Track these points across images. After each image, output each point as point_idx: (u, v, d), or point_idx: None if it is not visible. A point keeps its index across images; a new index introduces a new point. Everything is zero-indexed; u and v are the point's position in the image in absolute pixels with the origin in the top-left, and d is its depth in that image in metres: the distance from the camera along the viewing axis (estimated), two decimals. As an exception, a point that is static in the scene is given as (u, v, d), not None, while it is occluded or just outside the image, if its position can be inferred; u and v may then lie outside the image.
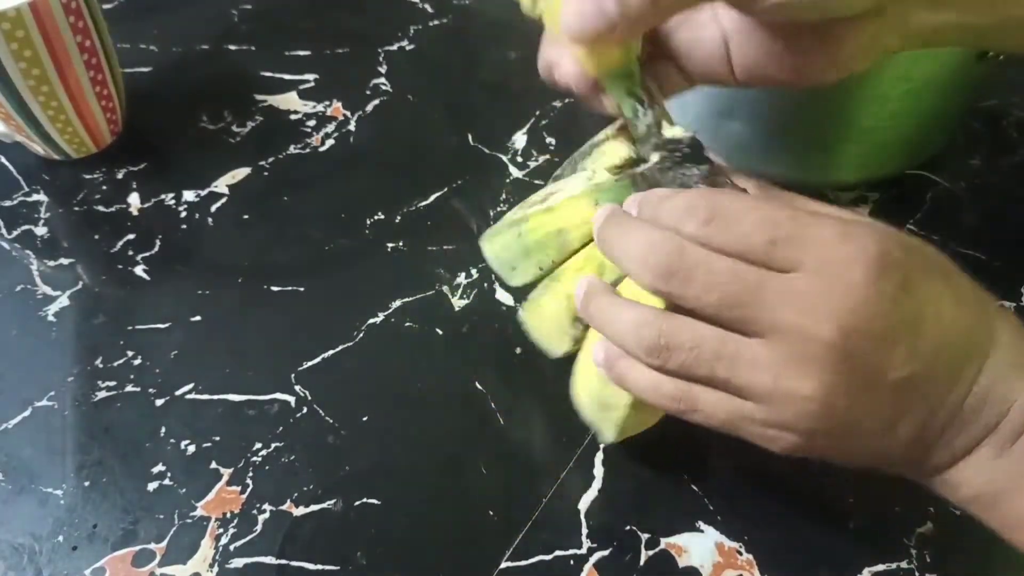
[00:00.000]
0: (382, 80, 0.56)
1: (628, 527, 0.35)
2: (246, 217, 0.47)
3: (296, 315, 0.42)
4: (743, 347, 0.26)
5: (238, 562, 0.33)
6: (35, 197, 0.48)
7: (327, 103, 0.54)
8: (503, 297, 0.43)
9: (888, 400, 0.26)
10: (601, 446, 0.37)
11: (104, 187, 0.48)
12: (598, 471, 0.37)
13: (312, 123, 0.53)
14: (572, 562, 0.34)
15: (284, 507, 0.35)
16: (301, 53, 0.58)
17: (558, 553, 0.34)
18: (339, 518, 0.35)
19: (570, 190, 0.32)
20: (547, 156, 0.52)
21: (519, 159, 0.51)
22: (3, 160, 0.50)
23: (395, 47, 0.59)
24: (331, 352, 0.41)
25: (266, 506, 0.35)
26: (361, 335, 0.41)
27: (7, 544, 0.34)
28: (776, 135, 0.46)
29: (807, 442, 0.26)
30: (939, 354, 0.25)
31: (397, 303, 0.43)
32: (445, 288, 0.44)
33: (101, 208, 0.47)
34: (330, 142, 0.52)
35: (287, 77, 0.56)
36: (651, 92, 0.31)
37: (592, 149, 0.34)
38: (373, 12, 0.62)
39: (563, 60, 0.31)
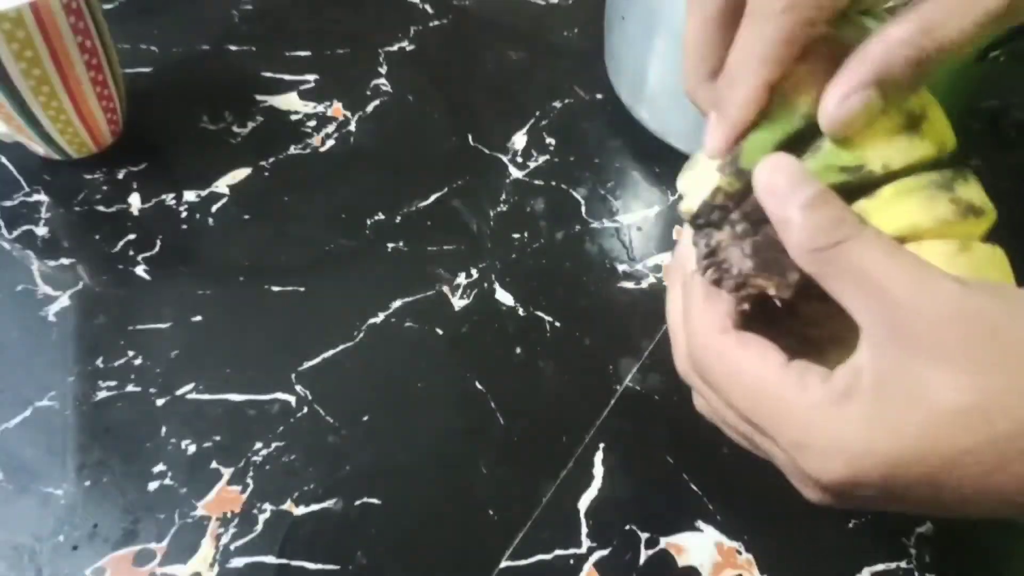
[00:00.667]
0: (382, 80, 0.56)
1: (628, 527, 0.35)
2: (247, 217, 0.47)
3: (296, 315, 0.42)
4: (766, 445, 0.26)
5: (238, 562, 0.34)
6: (36, 197, 0.48)
7: (327, 103, 0.54)
8: (503, 297, 0.43)
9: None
10: (601, 446, 0.37)
11: (105, 187, 0.48)
12: (598, 471, 0.37)
13: (312, 123, 0.53)
14: (572, 562, 0.34)
15: (284, 507, 0.35)
16: (301, 53, 0.58)
17: (558, 553, 0.34)
18: (339, 518, 0.35)
19: None
20: (547, 156, 0.52)
21: (519, 159, 0.51)
22: (3, 160, 0.50)
23: (395, 47, 0.59)
24: (331, 352, 0.41)
25: (266, 506, 0.35)
26: (361, 335, 0.41)
27: (7, 544, 0.34)
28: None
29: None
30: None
31: (397, 303, 0.43)
32: (445, 288, 0.44)
33: (102, 208, 0.47)
34: (330, 142, 0.52)
35: (287, 77, 0.56)
36: None
37: None
38: (373, 12, 0.62)
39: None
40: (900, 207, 0.24)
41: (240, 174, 0.50)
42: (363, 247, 0.46)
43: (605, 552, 0.34)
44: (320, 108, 0.54)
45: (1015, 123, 0.54)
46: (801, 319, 0.27)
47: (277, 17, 0.62)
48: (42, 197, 0.48)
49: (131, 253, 0.45)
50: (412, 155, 0.52)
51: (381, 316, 0.42)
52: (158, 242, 0.46)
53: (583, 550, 0.34)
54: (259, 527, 0.35)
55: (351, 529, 0.35)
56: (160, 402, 0.38)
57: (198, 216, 0.47)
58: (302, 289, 0.43)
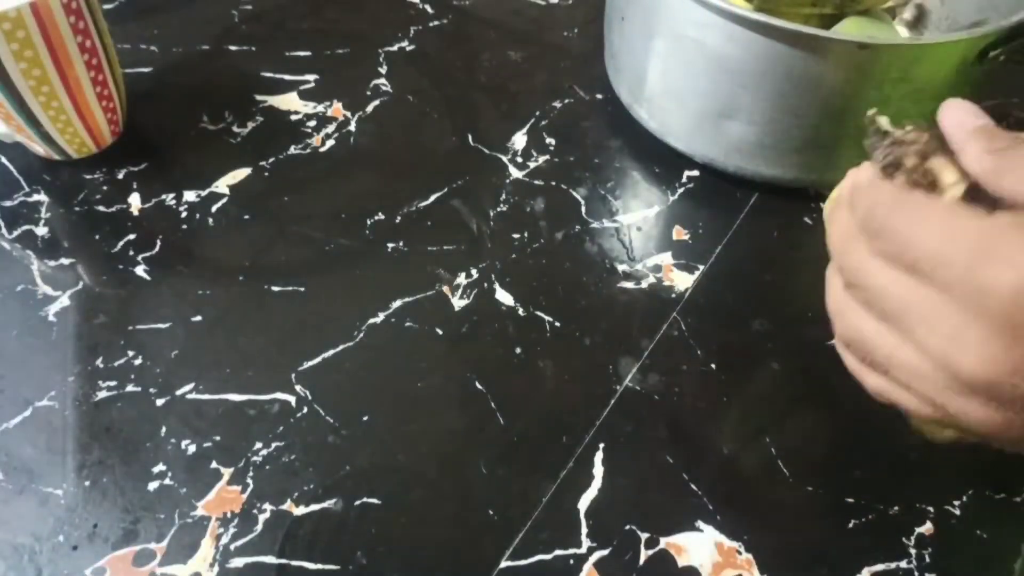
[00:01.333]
0: (382, 80, 0.56)
1: (628, 527, 0.35)
2: (246, 217, 0.47)
3: (296, 315, 0.42)
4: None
5: (238, 561, 0.34)
6: (36, 197, 0.48)
7: (327, 103, 0.54)
8: (503, 297, 0.43)
9: None
10: (601, 446, 0.37)
11: (105, 187, 0.48)
12: (598, 471, 0.37)
13: (312, 123, 0.53)
14: (572, 562, 0.34)
15: (284, 507, 0.35)
16: (301, 53, 0.58)
17: (558, 553, 0.34)
18: (339, 518, 0.35)
19: None
20: (547, 156, 0.52)
21: (519, 159, 0.51)
22: (3, 160, 0.50)
23: (395, 47, 0.59)
24: (331, 352, 0.41)
25: (266, 506, 0.35)
26: (361, 335, 0.41)
27: (7, 544, 0.34)
28: (776, 135, 0.46)
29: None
30: None
31: (397, 303, 0.43)
32: (445, 288, 0.44)
33: (102, 208, 0.47)
34: (330, 142, 0.52)
35: (287, 77, 0.56)
36: None
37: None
38: (373, 12, 0.62)
39: None
40: None
41: (240, 174, 0.50)
42: (363, 247, 0.46)
43: (605, 552, 0.34)
44: (320, 108, 0.54)
45: (1015, 123, 0.54)
46: None
47: (277, 17, 0.62)
48: (42, 197, 0.48)
49: (131, 253, 0.45)
50: (412, 155, 0.52)
51: (381, 316, 0.42)
52: (158, 242, 0.46)
53: (583, 550, 0.34)
54: (259, 527, 0.35)
55: (351, 529, 0.35)
56: (160, 402, 0.38)
57: (198, 216, 0.47)
58: (302, 289, 0.44)
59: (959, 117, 0.27)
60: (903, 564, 0.34)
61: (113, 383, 0.39)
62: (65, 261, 0.44)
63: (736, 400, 0.40)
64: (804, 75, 0.42)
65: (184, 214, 0.47)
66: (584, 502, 0.36)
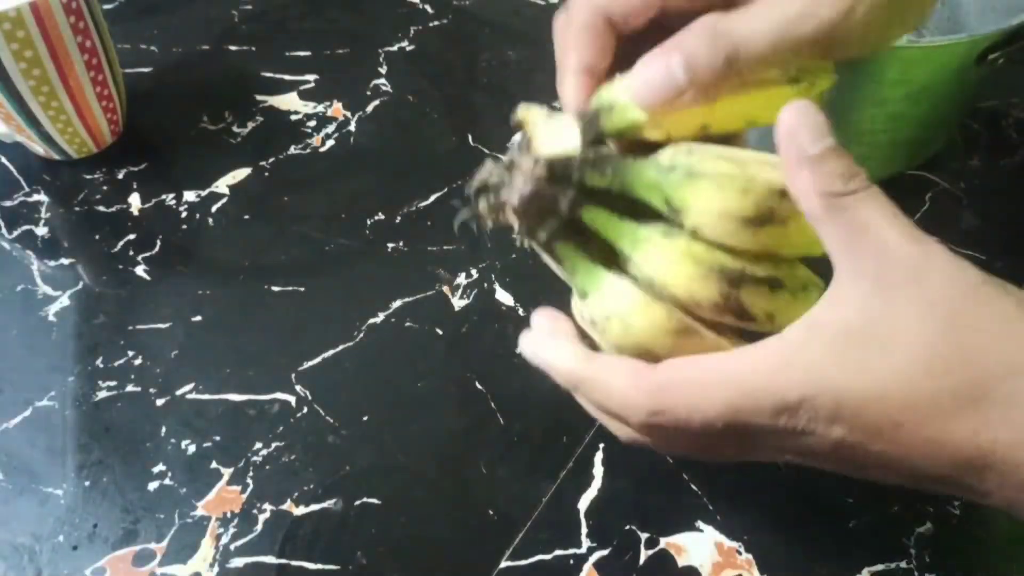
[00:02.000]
0: (382, 80, 0.56)
1: (628, 527, 0.35)
2: (246, 217, 0.47)
3: (296, 315, 0.42)
4: None
5: (238, 562, 0.34)
6: (36, 197, 0.48)
7: (327, 103, 0.54)
8: (503, 297, 0.43)
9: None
10: (601, 446, 0.37)
11: (105, 187, 0.48)
12: (598, 471, 0.37)
13: (312, 123, 0.53)
14: (572, 562, 0.34)
15: (284, 507, 0.35)
16: (301, 53, 0.58)
17: (558, 553, 0.34)
18: (339, 518, 0.35)
19: None
20: (547, 156, 0.52)
21: (519, 159, 0.51)
22: (3, 160, 0.50)
23: (395, 47, 0.59)
24: (331, 352, 0.41)
25: (266, 506, 0.35)
26: (361, 335, 0.41)
27: (7, 544, 0.34)
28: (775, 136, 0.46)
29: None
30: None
31: (397, 303, 0.43)
32: (445, 288, 0.44)
33: (102, 208, 0.47)
34: (330, 142, 0.52)
35: (287, 77, 0.56)
36: None
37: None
38: (373, 12, 0.62)
39: None
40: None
41: (240, 174, 0.50)
42: (363, 247, 0.46)
43: (605, 552, 0.34)
44: (320, 108, 0.54)
45: (1015, 123, 0.54)
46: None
47: (277, 17, 0.62)
48: (42, 197, 0.48)
49: (131, 253, 0.45)
50: (412, 155, 0.52)
51: (381, 316, 0.42)
52: (158, 242, 0.46)
53: (583, 550, 0.34)
54: (259, 527, 0.35)
55: (351, 529, 0.35)
56: (160, 402, 0.38)
57: (198, 216, 0.47)
58: (302, 289, 0.43)
59: (798, 137, 0.24)
60: (903, 564, 0.34)
61: (113, 383, 0.39)
62: (65, 261, 0.44)
63: (736, 400, 0.40)
64: (804, 75, 0.42)
65: (184, 214, 0.47)
66: (584, 502, 0.36)
